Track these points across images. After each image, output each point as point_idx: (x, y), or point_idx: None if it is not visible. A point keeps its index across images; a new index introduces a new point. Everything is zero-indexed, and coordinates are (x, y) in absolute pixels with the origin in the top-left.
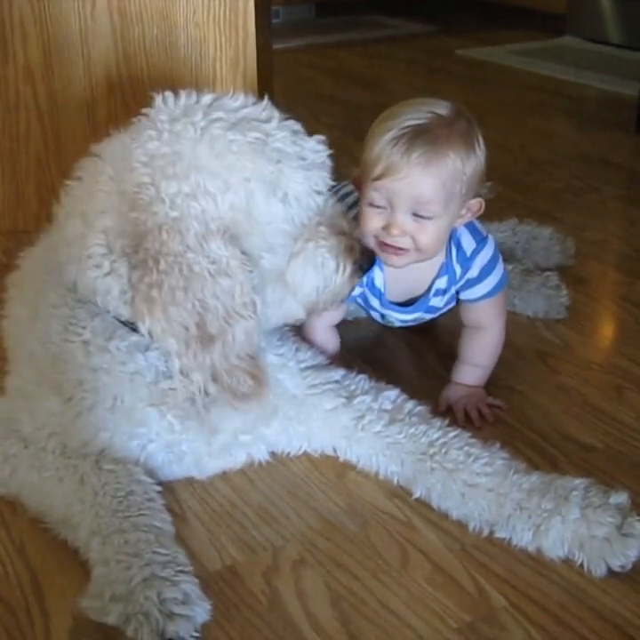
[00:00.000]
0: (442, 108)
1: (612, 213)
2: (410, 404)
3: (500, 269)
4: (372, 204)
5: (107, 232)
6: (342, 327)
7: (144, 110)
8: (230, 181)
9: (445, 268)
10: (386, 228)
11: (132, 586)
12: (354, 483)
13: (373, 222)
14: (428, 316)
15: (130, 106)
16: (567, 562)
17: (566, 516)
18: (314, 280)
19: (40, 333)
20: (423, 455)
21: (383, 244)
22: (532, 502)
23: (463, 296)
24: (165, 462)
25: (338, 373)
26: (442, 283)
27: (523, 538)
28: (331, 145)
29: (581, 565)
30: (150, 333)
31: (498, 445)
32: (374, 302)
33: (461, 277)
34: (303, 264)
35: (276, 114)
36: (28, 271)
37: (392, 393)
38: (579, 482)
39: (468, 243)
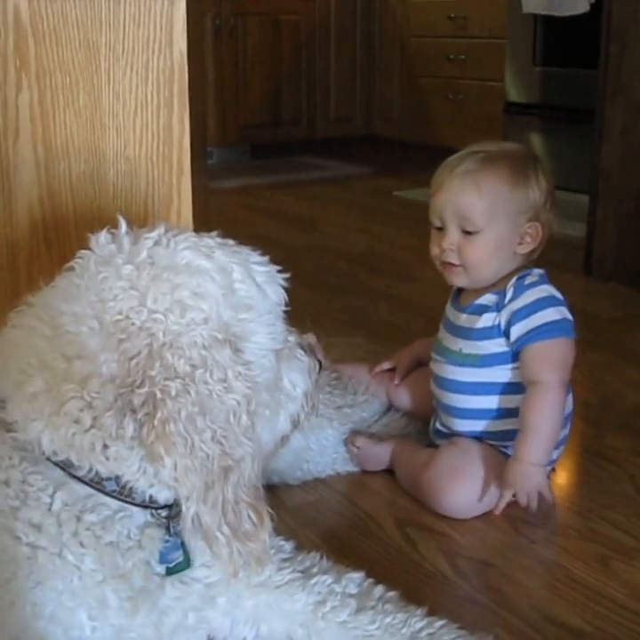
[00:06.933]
0: (509, 146)
1: None
2: (379, 589)
3: (560, 314)
4: (433, 227)
5: (85, 381)
6: (284, 493)
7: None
8: (234, 276)
9: (500, 291)
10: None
11: None
12: None
13: (434, 244)
14: (464, 344)
15: (52, 244)
16: None
17: None
18: (303, 383)
19: None
20: None
21: (442, 263)
22: None
23: (514, 332)
24: None
25: (287, 545)
26: (488, 299)
27: None
28: None
29: None
30: (173, 477)
31: (491, 637)
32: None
33: (510, 301)
34: (292, 367)
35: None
36: None
37: (356, 575)
38: None
39: (532, 278)
